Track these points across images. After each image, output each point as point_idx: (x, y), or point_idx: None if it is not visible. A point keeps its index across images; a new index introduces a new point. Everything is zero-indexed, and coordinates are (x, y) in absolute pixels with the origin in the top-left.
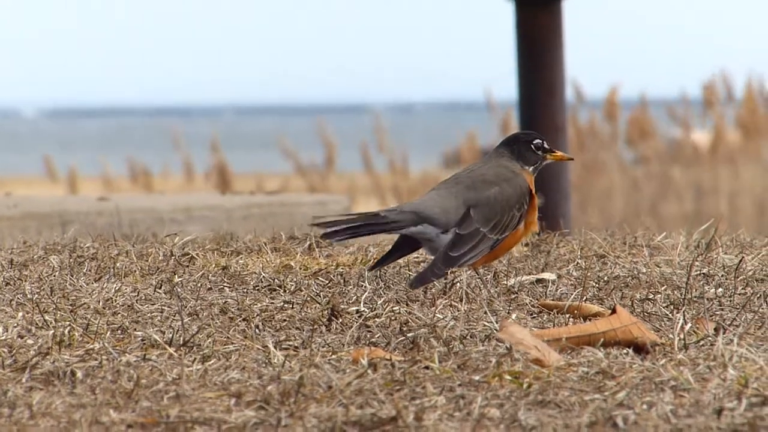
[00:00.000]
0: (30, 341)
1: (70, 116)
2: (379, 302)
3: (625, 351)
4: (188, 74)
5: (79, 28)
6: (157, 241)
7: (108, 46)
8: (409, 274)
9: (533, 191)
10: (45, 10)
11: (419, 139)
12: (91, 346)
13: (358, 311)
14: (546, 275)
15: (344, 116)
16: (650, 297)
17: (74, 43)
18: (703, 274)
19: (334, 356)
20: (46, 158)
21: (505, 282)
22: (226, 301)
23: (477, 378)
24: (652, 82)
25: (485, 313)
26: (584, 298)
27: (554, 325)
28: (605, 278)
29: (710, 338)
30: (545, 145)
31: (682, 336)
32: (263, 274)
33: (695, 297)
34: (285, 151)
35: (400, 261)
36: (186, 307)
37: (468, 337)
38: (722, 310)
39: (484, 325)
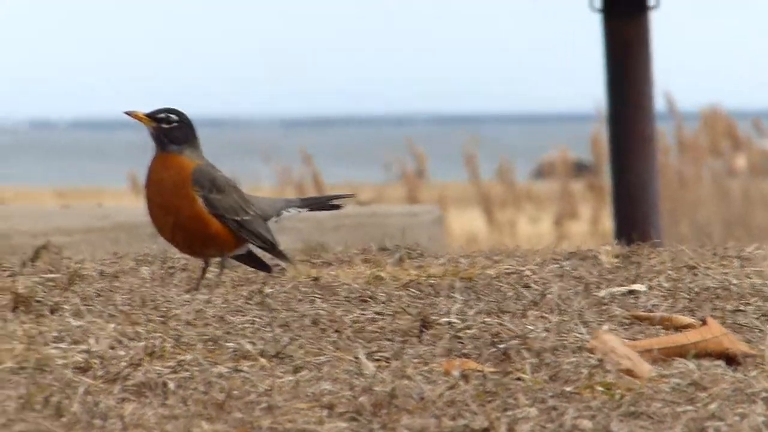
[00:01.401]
0: (121, 353)
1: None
2: (470, 313)
3: (716, 362)
4: (261, 86)
5: (167, 39)
6: None
7: (187, 57)
8: (500, 286)
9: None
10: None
11: (515, 152)
12: (183, 358)
13: (449, 322)
14: (637, 286)
15: (431, 127)
16: (741, 308)
17: (158, 54)
18: None
19: (425, 367)
20: (131, 173)
21: (596, 293)
22: (317, 312)
23: (569, 389)
24: (736, 92)
25: (576, 324)
26: (675, 309)
27: (645, 337)
28: (696, 289)
29: None
30: None
31: None
32: (354, 285)
33: None
34: (378, 161)
35: (491, 272)
36: (277, 318)
37: (559, 348)
38: None
39: (576, 337)
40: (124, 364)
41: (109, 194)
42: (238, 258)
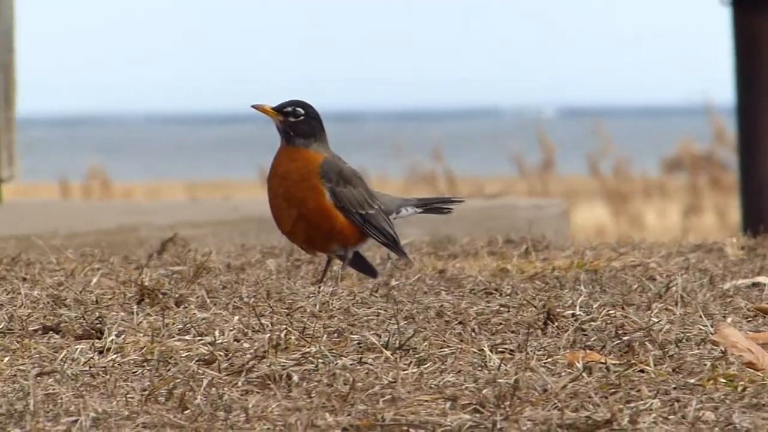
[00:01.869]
0: (246, 345)
1: None
2: (594, 306)
3: None
4: (374, 80)
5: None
6: (375, 245)
7: (303, 54)
8: (625, 278)
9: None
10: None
11: (638, 144)
12: (308, 350)
13: (573, 315)
14: (762, 279)
15: (557, 119)
16: None
17: (266, 51)
18: None
19: (549, 360)
20: (260, 166)
21: (721, 285)
22: (442, 305)
23: (692, 381)
24: None
25: (700, 316)
26: None
27: None
28: None
29: None
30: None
31: None
32: (479, 278)
33: None
34: (506, 155)
35: (617, 265)
36: (402, 310)
37: (683, 340)
38: None
39: (699, 329)
40: (248, 356)
41: (237, 187)
42: (340, 259)
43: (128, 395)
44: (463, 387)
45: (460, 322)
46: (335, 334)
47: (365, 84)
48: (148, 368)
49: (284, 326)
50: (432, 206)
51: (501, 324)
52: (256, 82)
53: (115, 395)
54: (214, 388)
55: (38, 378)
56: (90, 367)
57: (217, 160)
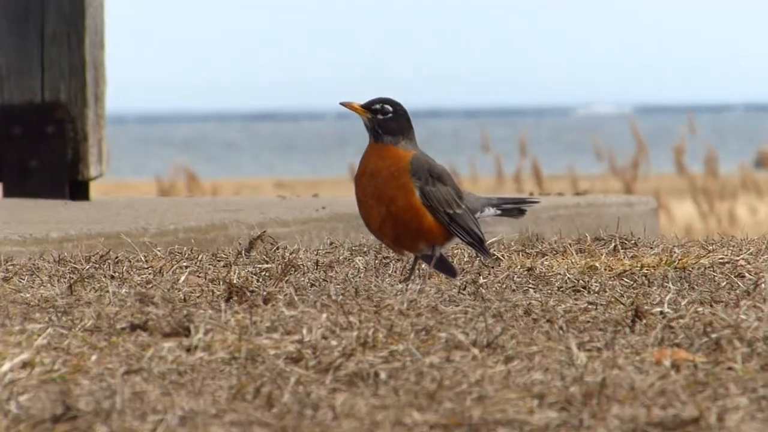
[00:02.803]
0: (334, 342)
1: None
2: (683, 303)
3: None
4: (447, 78)
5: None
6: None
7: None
8: (713, 276)
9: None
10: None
11: (735, 141)
12: (395, 348)
13: (661, 312)
14: None
15: (653, 116)
16: None
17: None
18: None
19: (636, 357)
20: (350, 163)
21: None
22: (530, 303)
23: None
24: None
25: None
26: None
27: None
28: None
29: None
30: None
31: None
32: (568, 275)
33: None
34: (598, 152)
35: (705, 262)
36: (490, 308)
37: None
38: None
39: None
40: (336, 354)
41: (326, 184)
42: (425, 258)
43: (215, 393)
44: (551, 385)
45: (547, 320)
46: (423, 332)
47: (429, 82)
48: (235, 366)
49: (372, 324)
50: (510, 207)
51: (589, 322)
52: (331, 79)
53: (202, 393)
54: (301, 386)
55: (125, 376)
56: (177, 365)
57: (306, 157)
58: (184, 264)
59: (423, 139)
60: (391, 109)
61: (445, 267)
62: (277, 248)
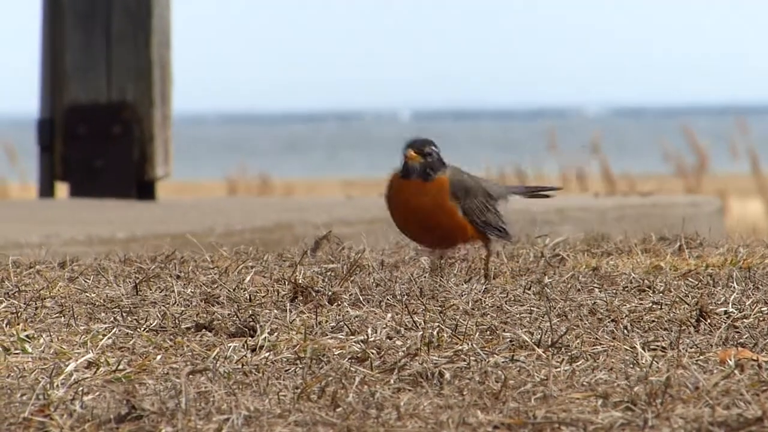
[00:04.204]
0: (399, 342)
1: (437, 118)
2: (747, 303)
3: None
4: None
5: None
6: (528, 241)
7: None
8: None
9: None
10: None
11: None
12: (460, 347)
13: (726, 312)
14: None
15: (709, 118)
16: None
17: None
18: None
19: (701, 357)
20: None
21: None
22: (595, 302)
23: None
24: None
25: None
26: None
27: None
28: None
29: None
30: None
31: None
32: (633, 275)
33: None
34: (663, 153)
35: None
36: (555, 308)
37: None
38: None
39: None
40: (401, 353)
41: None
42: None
43: (280, 393)
44: (615, 384)
45: (612, 320)
46: (488, 332)
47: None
48: (300, 366)
49: (437, 324)
50: (535, 193)
51: (653, 321)
52: (376, 79)
53: (267, 393)
54: (366, 386)
55: (190, 376)
56: (242, 365)
57: (371, 158)
58: (250, 264)
59: (473, 138)
60: (437, 150)
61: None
62: (343, 248)
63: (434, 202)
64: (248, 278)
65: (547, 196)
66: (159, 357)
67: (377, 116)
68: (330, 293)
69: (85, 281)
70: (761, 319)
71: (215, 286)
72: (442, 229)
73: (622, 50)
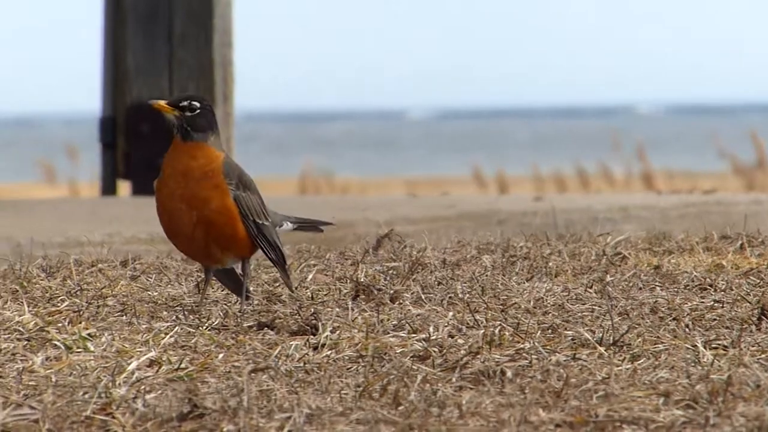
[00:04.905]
0: (460, 341)
1: (496, 116)
2: None
3: None
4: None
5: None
6: (590, 240)
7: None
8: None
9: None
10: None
11: None
12: (522, 346)
13: None
14: None
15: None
16: None
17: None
18: None
19: (762, 355)
20: (475, 165)
21: None
22: (656, 301)
23: None
24: None
25: None
26: None
27: None
28: None
29: None
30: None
31: None
32: (694, 273)
33: None
34: (720, 151)
35: None
36: (616, 306)
37: None
38: None
39: None
40: (462, 352)
41: (455, 184)
42: (220, 274)
43: (342, 391)
44: (676, 383)
45: (674, 318)
46: (549, 330)
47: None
48: (362, 364)
49: (498, 322)
50: (306, 225)
51: (715, 320)
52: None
53: (329, 391)
54: (427, 384)
55: (252, 374)
56: (304, 363)
57: (436, 156)
58: (312, 262)
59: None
60: (198, 105)
61: (236, 284)
62: (405, 246)
63: (203, 171)
64: (310, 276)
65: (320, 230)
66: (221, 355)
67: (424, 113)
68: (392, 291)
69: (147, 280)
70: None
71: (277, 284)
72: (210, 210)
73: (672, 47)
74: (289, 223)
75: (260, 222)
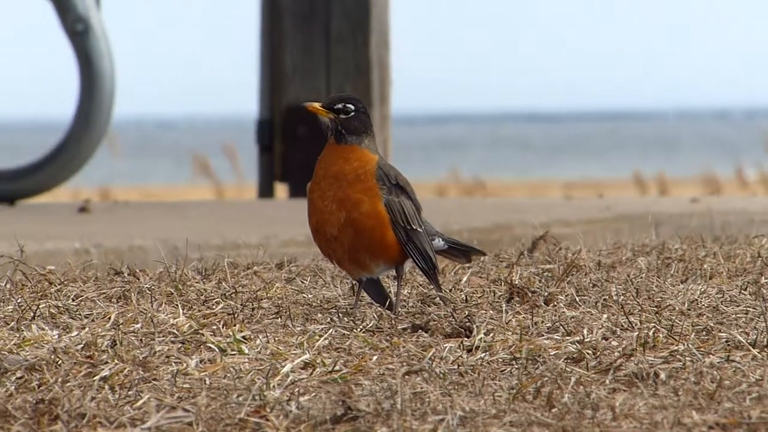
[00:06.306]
0: (614, 343)
1: (620, 119)
2: None
3: None
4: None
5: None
6: (745, 242)
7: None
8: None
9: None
10: None
11: None
12: (675, 348)
13: None
14: None
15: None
16: None
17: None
18: None
19: None
20: (635, 169)
21: None
22: None
23: None
24: None
25: None
26: None
27: None
28: None
29: None
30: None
31: None
32: None
33: None
34: None
35: None
36: None
37: None
38: None
39: None
40: (616, 354)
41: (611, 186)
42: (369, 285)
43: (496, 394)
44: None
45: None
46: (703, 332)
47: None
48: (516, 366)
49: (653, 324)
50: (457, 247)
51: None
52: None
53: (482, 394)
54: (581, 387)
55: (406, 376)
56: (458, 366)
57: (594, 159)
58: (467, 264)
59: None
60: (353, 107)
61: (381, 296)
62: (560, 248)
63: (356, 174)
64: (465, 279)
65: (469, 259)
66: (375, 357)
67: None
68: (546, 294)
69: (302, 282)
70: None
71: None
72: (360, 213)
73: None
74: (441, 241)
75: (411, 228)
